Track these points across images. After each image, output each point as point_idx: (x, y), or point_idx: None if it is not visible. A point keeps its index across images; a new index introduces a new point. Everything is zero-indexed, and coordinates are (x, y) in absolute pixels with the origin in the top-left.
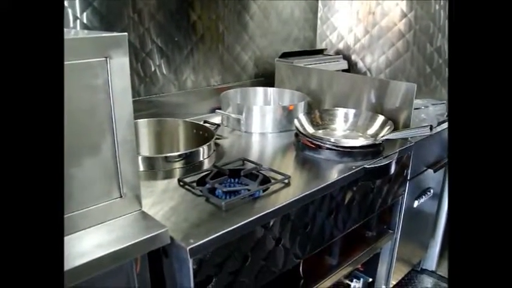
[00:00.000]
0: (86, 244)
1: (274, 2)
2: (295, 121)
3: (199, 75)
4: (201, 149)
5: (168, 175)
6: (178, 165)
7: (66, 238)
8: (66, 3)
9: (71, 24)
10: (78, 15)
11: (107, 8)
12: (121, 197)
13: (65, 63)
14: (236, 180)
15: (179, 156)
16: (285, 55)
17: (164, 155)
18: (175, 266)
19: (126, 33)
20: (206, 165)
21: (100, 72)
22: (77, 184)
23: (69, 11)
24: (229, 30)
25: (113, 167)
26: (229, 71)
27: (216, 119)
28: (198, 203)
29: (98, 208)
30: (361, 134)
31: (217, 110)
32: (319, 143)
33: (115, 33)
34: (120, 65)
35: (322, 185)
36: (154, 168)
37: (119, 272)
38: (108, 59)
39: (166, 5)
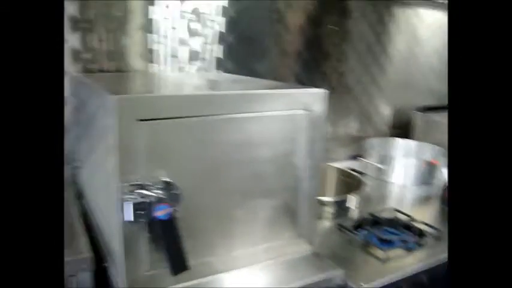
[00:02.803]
0: (265, 279)
1: (416, 51)
2: (445, 175)
3: (339, 122)
4: (353, 196)
5: (319, 217)
6: (329, 209)
7: (244, 269)
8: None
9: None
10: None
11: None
12: (300, 236)
13: (271, 113)
14: (392, 230)
15: (333, 201)
16: (423, 108)
17: (319, 198)
18: None
19: (327, 90)
20: (355, 212)
21: (301, 123)
22: (265, 220)
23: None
24: (372, 79)
25: (297, 208)
26: (368, 120)
27: (352, 166)
28: (355, 248)
29: (278, 244)
30: None
31: (360, 158)
32: None
33: (317, 90)
34: (318, 118)
35: None
36: None
37: None
38: (309, 112)
39: (308, 64)
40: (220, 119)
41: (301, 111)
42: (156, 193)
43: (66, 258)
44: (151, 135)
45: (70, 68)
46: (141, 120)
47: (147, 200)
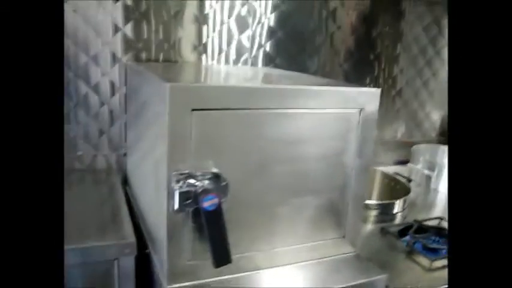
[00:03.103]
0: (306, 278)
1: None
2: None
3: (386, 126)
4: (398, 202)
5: (363, 221)
6: (373, 213)
7: (286, 267)
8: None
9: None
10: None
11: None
12: (343, 237)
13: (324, 111)
14: (438, 238)
15: (377, 205)
16: None
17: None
18: None
19: (380, 89)
20: (398, 218)
21: (353, 122)
22: (309, 219)
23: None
24: (423, 83)
25: (343, 208)
26: (417, 125)
27: (398, 171)
28: (398, 253)
29: (321, 244)
30: None
31: (407, 164)
32: None
33: (371, 89)
34: (370, 118)
35: None
36: None
37: None
38: (361, 111)
39: (358, 64)
40: (273, 113)
41: (354, 110)
42: (203, 183)
43: (110, 242)
44: (202, 125)
45: (121, 56)
46: (194, 109)
47: (194, 190)
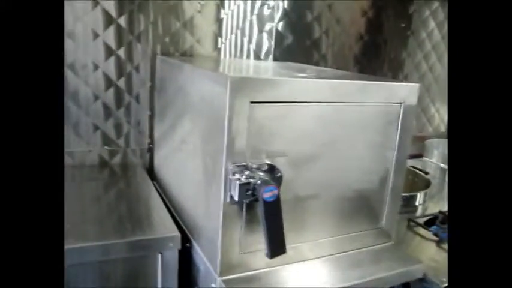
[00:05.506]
0: (349, 268)
1: None
2: None
3: None
4: (419, 194)
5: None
6: None
7: (330, 258)
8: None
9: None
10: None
11: None
12: (381, 228)
13: (371, 104)
14: None
15: (401, 197)
16: None
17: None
18: None
19: (419, 84)
20: (420, 209)
21: (393, 116)
22: (351, 210)
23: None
24: (434, 78)
25: (382, 200)
26: (429, 120)
27: (413, 165)
28: (427, 243)
29: (361, 234)
30: None
31: (423, 158)
32: None
33: (411, 83)
34: (410, 110)
35: None
36: None
37: None
38: (402, 105)
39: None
40: (324, 106)
41: (396, 104)
42: (259, 175)
43: (154, 236)
44: (259, 118)
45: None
46: (252, 102)
47: (254, 181)
